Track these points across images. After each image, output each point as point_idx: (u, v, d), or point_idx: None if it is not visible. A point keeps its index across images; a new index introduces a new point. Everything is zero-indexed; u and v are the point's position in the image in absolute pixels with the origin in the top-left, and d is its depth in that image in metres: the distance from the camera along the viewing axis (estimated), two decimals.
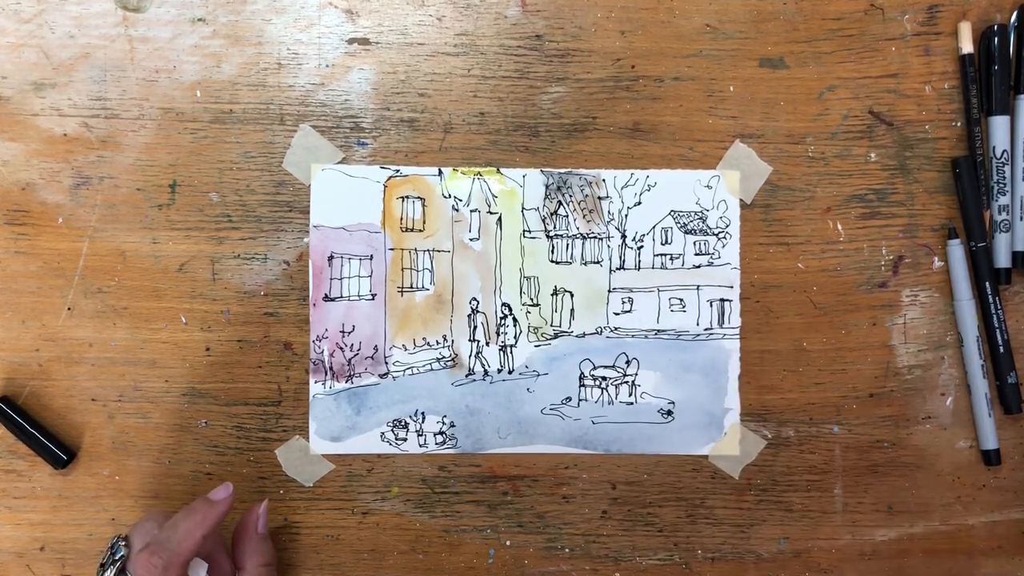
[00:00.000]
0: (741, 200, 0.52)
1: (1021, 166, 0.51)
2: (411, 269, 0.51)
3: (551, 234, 0.52)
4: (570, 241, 0.52)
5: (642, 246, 0.52)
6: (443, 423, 0.51)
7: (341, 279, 0.51)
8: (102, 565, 0.43)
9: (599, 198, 0.51)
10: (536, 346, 0.51)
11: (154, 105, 0.50)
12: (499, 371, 0.51)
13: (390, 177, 0.51)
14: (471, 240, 0.51)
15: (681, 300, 0.52)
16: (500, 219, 0.51)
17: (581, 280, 0.52)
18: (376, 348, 0.51)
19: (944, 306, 0.52)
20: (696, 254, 0.52)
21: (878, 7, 0.52)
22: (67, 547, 0.51)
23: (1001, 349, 0.51)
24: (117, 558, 0.43)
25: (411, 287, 0.51)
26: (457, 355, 0.51)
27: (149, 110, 0.50)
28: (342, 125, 0.51)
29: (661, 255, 0.52)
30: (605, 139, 0.51)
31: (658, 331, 0.52)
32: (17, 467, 0.51)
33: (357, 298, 0.51)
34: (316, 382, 0.51)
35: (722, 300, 0.52)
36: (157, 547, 0.42)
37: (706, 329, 0.52)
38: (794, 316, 0.52)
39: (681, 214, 0.52)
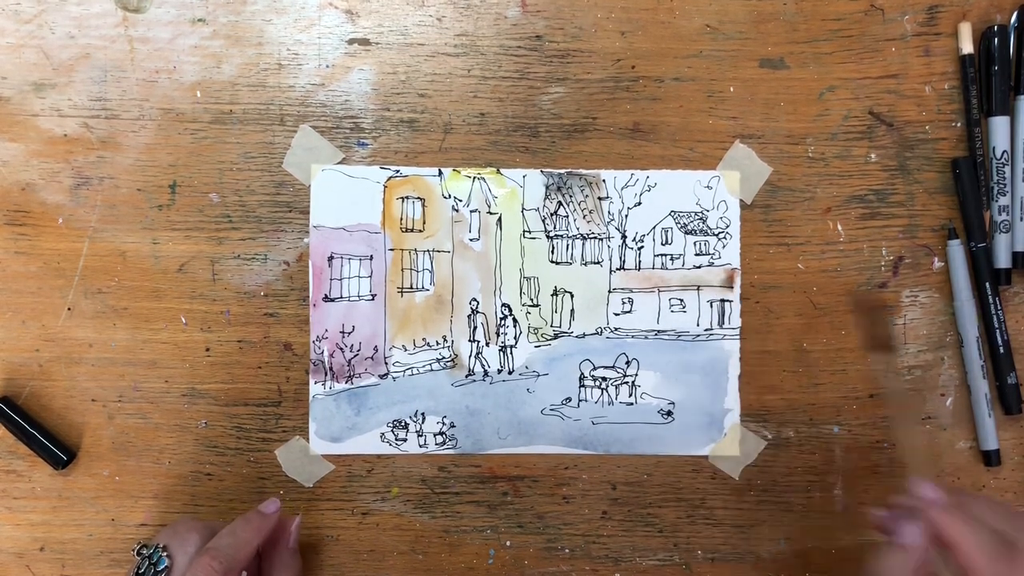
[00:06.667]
0: (741, 200, 0.52)
1: (1021, 166, 0.51)
2: (411, 269, 0.51)
3: (551, 234, 0.52)
4: (570, 241, 0.52)
5: (642, 246, 0.52)
6: (443, 423, 0.51)
7: (341, 279, 0.51)
8: (138, 574, 0.42)
9: (599, 198, 0.51)
10: (536, 346, 0.51)
11: (154, 105, 0.50)
12: (499, 371, 0.51)
13: (390, 177, 0.51)
14: (471, 240, 0.51)
15: (681, 300, 0.52)
16: (500, 219, 0.51)
17: (581, 280, 0.52)
18: (376, 348, 0.51)
19: (944, 306, 0.52)
20: (696, 254, 0.52)
21: (878, 8, 0.52)
22: (67, 547, 0.51)
23: (1001, 349, 0.51)
24: (161, 568, 0.42)
25: (411, 287, 0.51)
26: (457, 355, 0.51)
27: (149, 110, 0.50)
28: (342, 125, 0.51)
29: (661, 255, 0.52)
30: (605, 139, 0.51)
31: (658, 331, 0.52)
32: (17, 467, 0.51)
33: (357, 298, 0.51)
34: (316, 382, 0.51)
35: (722, 300, 0.52)
36: (217, 552, 0.42)
37: (706, 329, 0.52)
38: (794, 316, 0.52)
39: (681, 214, 0.52)
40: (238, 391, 0.51)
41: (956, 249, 0.51)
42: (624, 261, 0.52)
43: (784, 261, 0.52)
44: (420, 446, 0.51)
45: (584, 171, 0.51)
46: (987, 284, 0.51)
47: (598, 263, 0.52)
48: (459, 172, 0.51)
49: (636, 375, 0.52)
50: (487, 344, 0.51)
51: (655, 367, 0.52)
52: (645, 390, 0.52)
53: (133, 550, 0.44)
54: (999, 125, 0.51)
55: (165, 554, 0.43)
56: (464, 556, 0.52)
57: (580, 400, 0.52)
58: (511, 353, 0.51)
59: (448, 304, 0.51)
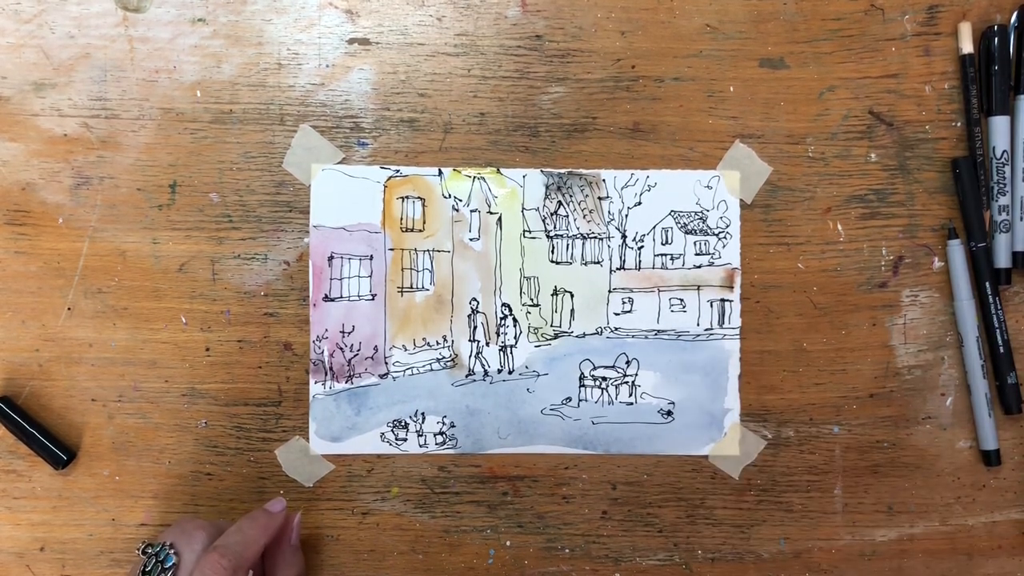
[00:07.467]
0: (741, 200, 0.52)
1: (1021, 166, 0.51)
2: (411, 269, 0.51)
3: (551, 234, 0.52)
4: (570, 241, 0.52)
5: (642, 246, 0.52)
6: (443, 423, 0.51)
7: (341, 279, 0.51)
8: (145, 573, 0.42)
9: (599, 198, 0.51)
10: (536, 346, 0.51)
11: (154, 105, 0.50)
12: (499, 371, 0.51)
13: (390, 177, 0.51)
14: (471, 240, 0.51)
15: (681, 300, 0.52)
16: (500, 219, 0.51)
17: (581, 280, 0.52)
18: (376, 348, 0.51)
19: (944, 306, 0.52)
20: (696, 254, 0.52)
21: (878, 7, 0.52)
22: (67, 547, 0.51)
23: (1001, 349, 0.51)
24: (168, 566, 0.42)
25: (411, 287, 0.51)
26: (457, 355, 0.51)
27: (149, 110, 0.50)
28: (342, 125, 0.51)
29: (661, 255, 0.52)
30: (605, 139, 0.51)
31: (658, 331, 0.52)
32: (17, 467, 0.51)
33: (357, 298, 0.51)
34: (316, 382, 0.51)
35: (722, 300, 0.52)
36: (226, 550, 0.42)
37: (706, 329, 0.52)
38: (794, 316, 0.52)
39: (681, 214, 0.52)
40: (238, 391, 0.51)
41: (956, 249, 0.51)
42: (624, 261, 0.52)
43: (784, 261, 0.52)
44: (420, 446, 0.51)
45: (584, 171, 0.51)
46: (987, 284, 0.51)
47: (598, 263, 0.52)
48: (459, 172, 0.51)
49: (636, 375, 0.52)
50: (487, 344, 0.51)
51: (655, 367, 0.52)
52: (645, 390, 0.52)
53: (137, 549, 0.44)
54: (999, 125, 0.51)
55: (172, 551, 0.43)
56: (464, 556, 0.52)
57: (580, 400, 0.52)
58: (511, 353, 0.51)
59: (448, 304, 0.51)
